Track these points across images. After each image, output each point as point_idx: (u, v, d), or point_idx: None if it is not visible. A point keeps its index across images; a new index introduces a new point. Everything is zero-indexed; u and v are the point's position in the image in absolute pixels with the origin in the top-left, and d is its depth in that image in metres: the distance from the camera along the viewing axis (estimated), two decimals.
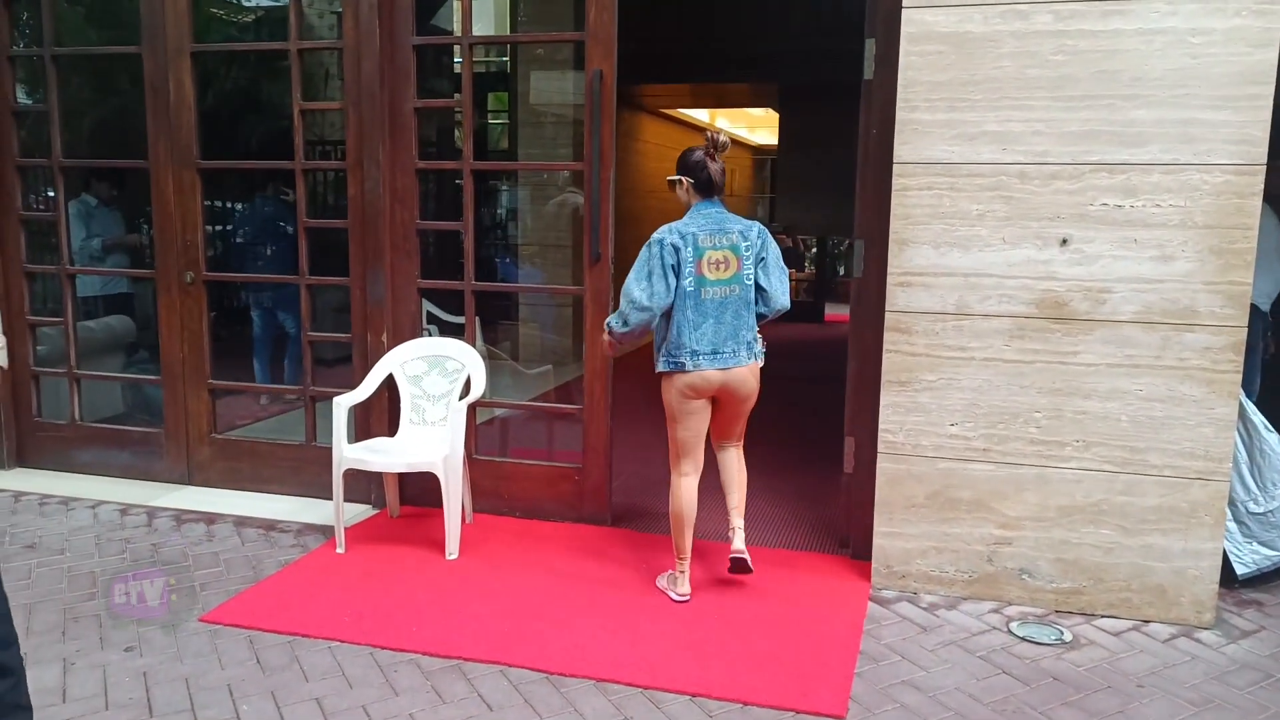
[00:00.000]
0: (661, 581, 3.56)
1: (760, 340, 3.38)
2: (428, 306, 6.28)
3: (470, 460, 4.22)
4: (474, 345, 4.22)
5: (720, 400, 3.38)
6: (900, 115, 3.35)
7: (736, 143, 16.06)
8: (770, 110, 11.59)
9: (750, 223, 3.38)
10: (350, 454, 3.81)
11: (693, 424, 3.37)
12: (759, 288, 3.33)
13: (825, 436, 3.89)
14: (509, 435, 4.84)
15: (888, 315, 3.44)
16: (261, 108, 8.50)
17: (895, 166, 3.37)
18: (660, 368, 3.35)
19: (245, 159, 6.49)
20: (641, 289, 3.25)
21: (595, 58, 3.93)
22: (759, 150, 17.47)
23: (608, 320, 3.37)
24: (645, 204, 10.50)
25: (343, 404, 3.87)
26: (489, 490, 4.31)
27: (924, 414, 3.45)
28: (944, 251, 3.35)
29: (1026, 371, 3.34)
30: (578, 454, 4.22)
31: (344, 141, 4.21)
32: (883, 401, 3.49)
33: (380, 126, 4.15)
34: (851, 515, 3.86)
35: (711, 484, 3.63)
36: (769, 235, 3.41)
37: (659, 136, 11.45)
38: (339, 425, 3.82)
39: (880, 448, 3.52)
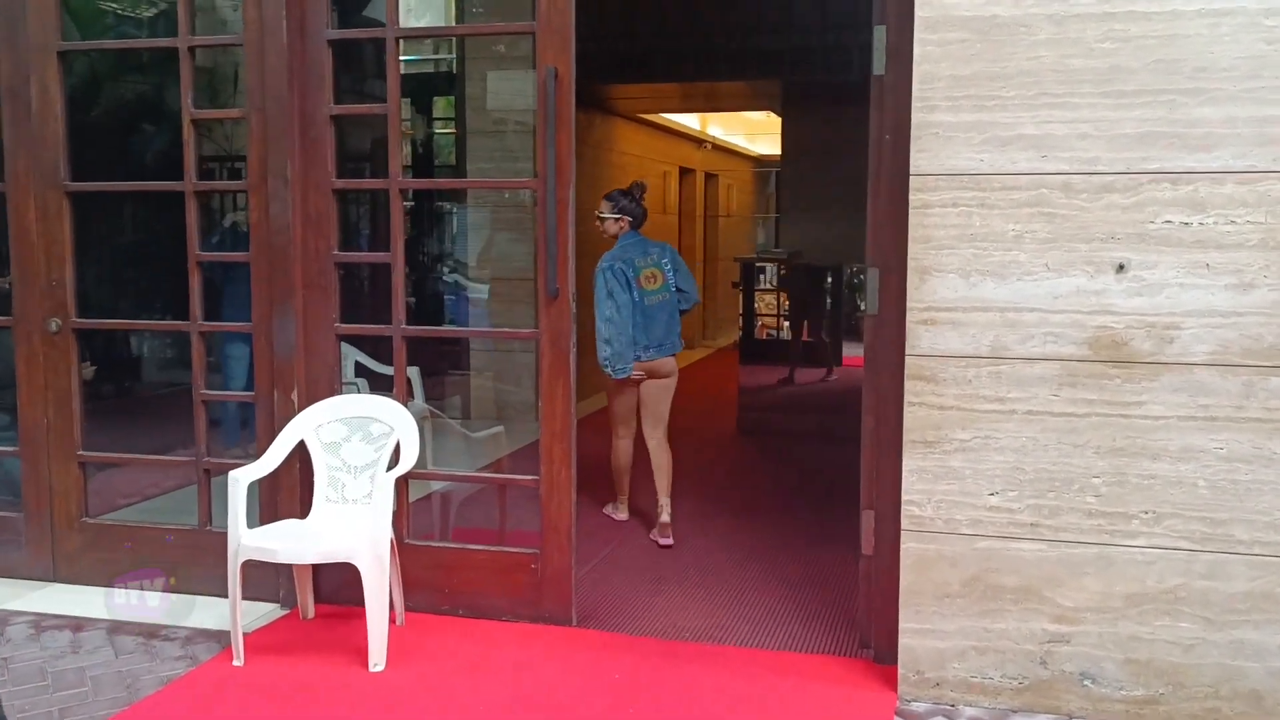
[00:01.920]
0: (607, 509, 5.68)
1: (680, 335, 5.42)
2: (357, 356, 6.25)
3: (401, 546, 4.14)
4: (406, 402, 4.16)
5: (649, 375, 5.34)
6: (917, 117, 3.34)
7: (733, 152, 16.30)
8: (772, 114, 11.67)
9: (663, 245, 5.47)
10: (250, 541, 3.73)
11: (627, 399, 5.40)
12: (679, 290, 5.36)
13: (843, 508, 3.86)
14: (450, 514, 4.76)
15: (908, 360, 3.41)
16: (166, 118, 8.51)
17: (912, 179, 3.35)
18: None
19: (139, 180, 6.47)
20: (609, 307, 5.09)
21: (548, 53, 3.92)
22: (760, 161, 17.59)
23: (600, 360, 5.05)
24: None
25: (240, 479, 3.78)
26: (425, 583, 4.21)
27: (957, 481, 3.40)
28: (975, 282, 3.33)
29: (1080, 427, 3.30)
30: (535, 535, 4.15)
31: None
32: (906, 467, 3.44)
33: (289, 137, 4.12)
34: (873, 608, 3.79)
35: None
36: (675, 252, 5.49)
37: (639, 146, 11.50)
38: (235, 506, 3.73)
39: (904, 524, 3.46)
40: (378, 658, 3.69)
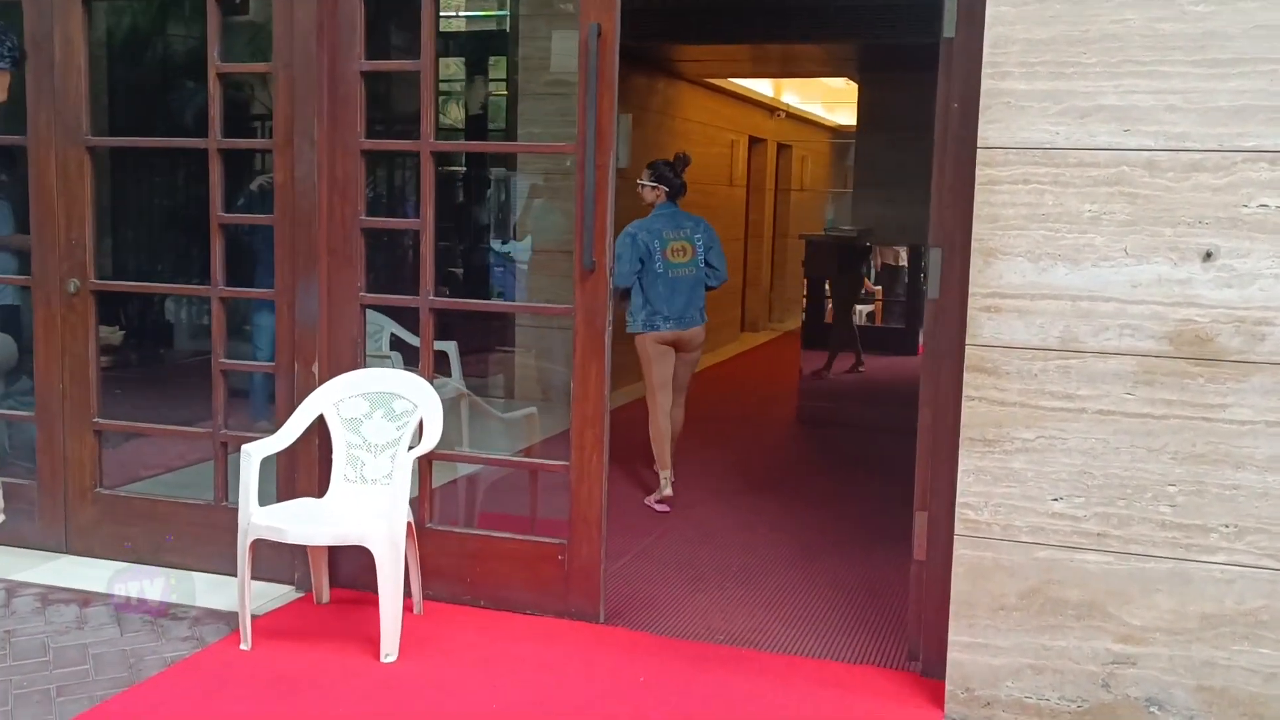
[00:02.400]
0: (649, 499, 5.71)
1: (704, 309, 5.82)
2: (393, 329, 6.27)
3: (421, 532, 4.12)
4: (433, 378, 4.13)
5: (677, 349, 5.74)
6: (987, 84, 3.22)
7: (810, 122, 16.08)
8: (850, 80, 11.48)
9: (698, 219, 5.84)
10: (260, 520, 3.73)
11: (661, 369, 5.71)
12: (709, 265, 5.76)
13: (905, 507, 3.78)
14: (476, 500, 4.74)
15: (968, 350, 3.30)
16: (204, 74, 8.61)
17: (980, 153, 3.24)
18: (636, 329, 5.69)
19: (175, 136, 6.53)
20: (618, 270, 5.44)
21: (591, 9, 3.85)
22: (839, 133, 17.34)
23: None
24: (685, 200, 10.41)
25: (253, 454, 3.79)
26: (447, 571, 4.20)
27: (1018, 484, 3.29)
28: (1045, 266, 3.21)
29: (1157, 430, 3.17)
30: (564, 525, 4.11)
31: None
32: (962, 466, 3.34)
33: (316, 95, 4.11)
34: (923, 618, 3.70)
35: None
36: (710, 228, 5.85)
37: (705, 113, 11.38)
38: (247, 482, 3.74)
39: (958, 528, 3.36)
40: (390, 648, 3.68)
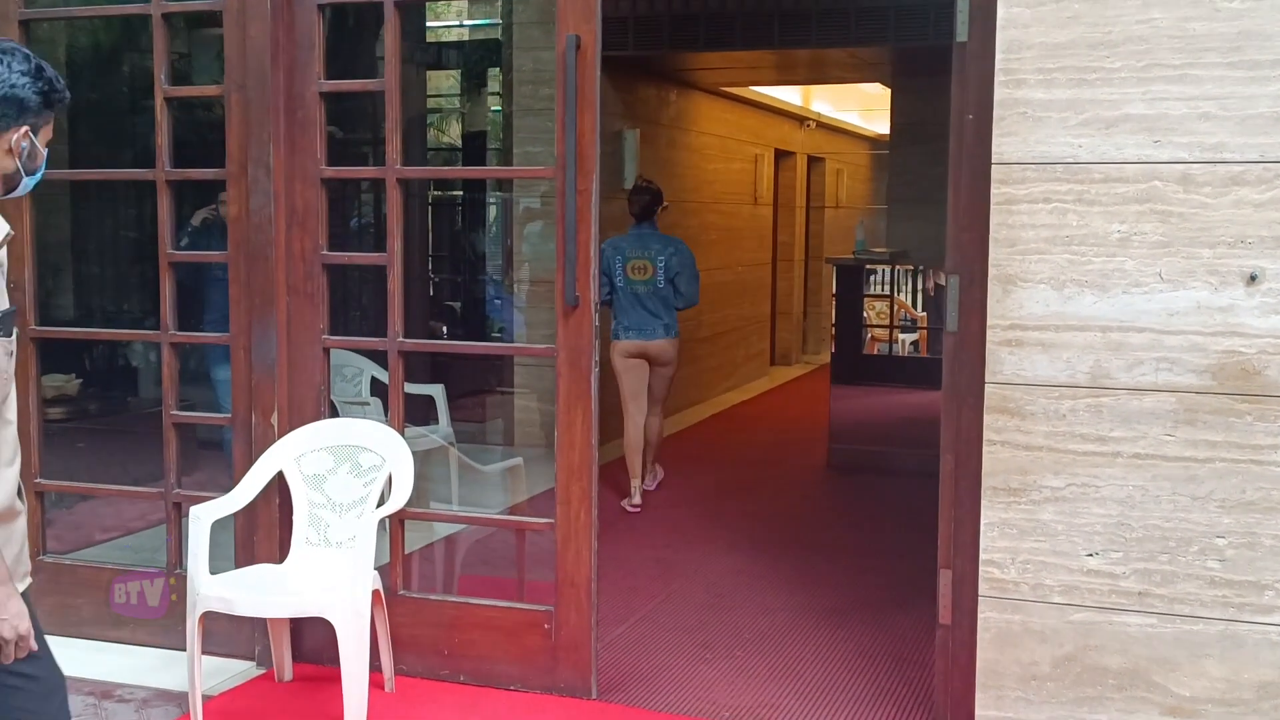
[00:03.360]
0: (622, 503, 6.70)
1: (676, 323, 6.85)
2: (374, 372, 6.31)
3: (393, 600, 4.13)
4: (403, 428, 4.15)
5: (649, 362, 6.80)
6: (1001, 94, 3.24)
7: (845, 131, 16.12)
8: (885, 86, 11.52)
9: (674, 241, 6.91)
10: (210, 590, 3.75)
11: (630, 380, 6.78)
12: (675, 289, 6.73)
13: (933, 562, 3.76)
14: (455, 563, 4.75)
15: (989, 389, 3.30)
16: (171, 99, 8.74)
17: (995, 168, 3.26)
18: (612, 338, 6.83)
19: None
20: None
21: (569, 18, 3.90)
22: (878, 143, 17.37)
23: None
24: (703, 220, 10.47)
25: (203, 516, 3.82)
26: (423, 643, 4.20)
27: (1047, 538, 3.28)
28: (1070, 294, 3.21)
29: (1201, 475, 3.15)
30: (549, 588, 4.10)
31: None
32: (985, 519, 3.33)
33: (273, 119, 4.16)
34: (950, 688, 3.67)
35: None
36: (685, 249, 6.86)
37: (724, 125, 11.43)
38: (197, 548, 3.77)
39: (982, 588, 3.35)
40: None
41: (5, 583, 2.28)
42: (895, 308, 10.92)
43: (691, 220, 10.13)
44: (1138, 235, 3.16)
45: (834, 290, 8.88)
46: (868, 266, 10.92)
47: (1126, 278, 3.17)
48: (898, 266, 9.13)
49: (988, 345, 3.30)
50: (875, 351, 11.30)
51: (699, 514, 6.57)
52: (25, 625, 2.29)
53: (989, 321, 3.29)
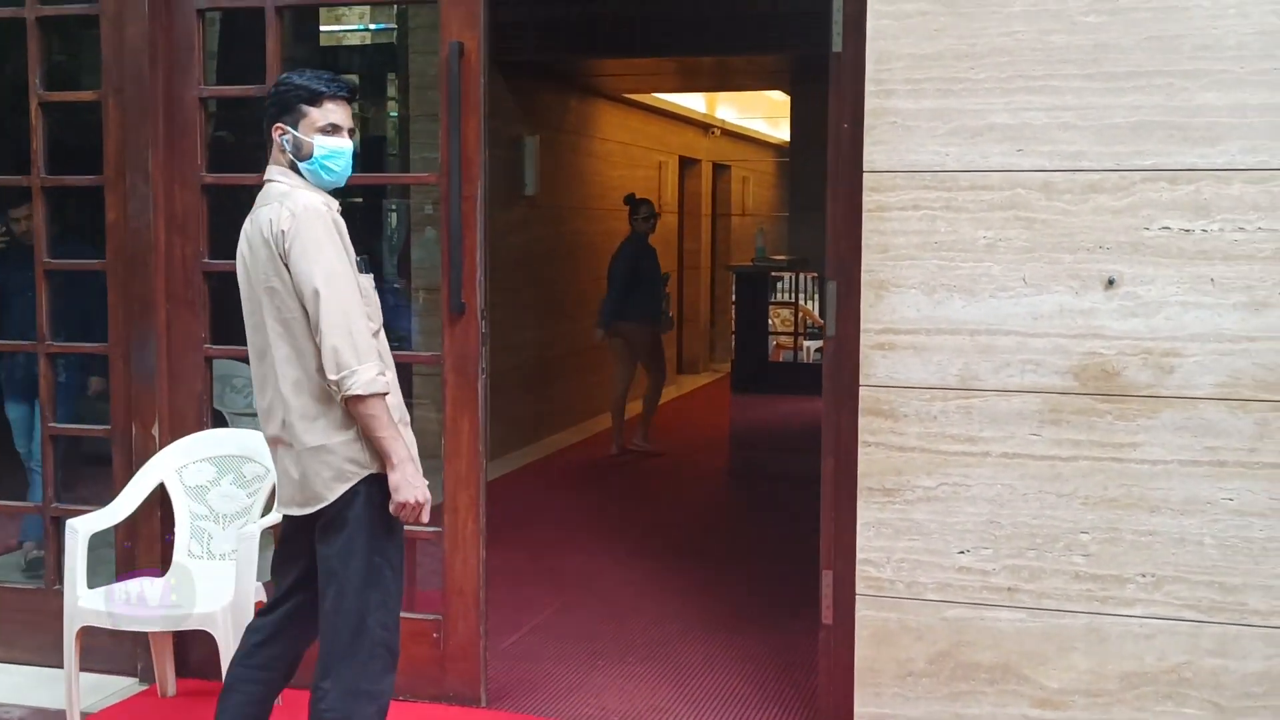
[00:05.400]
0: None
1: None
2: None
3: None
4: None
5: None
6: (871, 103, 3.37)
7: (751, 139, 16.32)
8: (785, 94, 11.72)
9: (622, 249, 8.30)
10: (87, 604, 3.75)
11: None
12: None
13: (818, 567, 3.88)
14: None
15: (863, 392, 3.42)
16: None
17: (866, 176, 3.38)
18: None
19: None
20: None
21: (453, 24, 3.98)
22: (784, 150, 17.62)
23: None
24: (606, 227, 10.55)
25: (80, 529, 3.82)
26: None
27: (921, 537, 3.40)
28: (940, 299, 3.34)
29: (1066, 473, 3.30)
30: (438, 597, 4.16)
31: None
32: (861, 519, 3.45)
33: (151, 123, 4.17)
34: (832, 687, 3.78)
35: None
36: (616, 257, 8.43)
37: (628, 132, 11.55)
38: (73, 562, 3.77)
39: (859, 587, 3.47)
40: None
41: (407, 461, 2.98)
42: (800, 315, 11.10)
43: (594, 227, 10.22)
44: (1003, 241, 3.30)
45: (734, 298, 9.04)
46: (773, 274, 11.09)
47: (994, 282, 3.31)
48: (802, 274, 9.31)
49: (862, 349, 3.42)
50: (780, 359, 11.49)
51: (596, 524, 6.66)
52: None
53: (863, 326, 3.41)
